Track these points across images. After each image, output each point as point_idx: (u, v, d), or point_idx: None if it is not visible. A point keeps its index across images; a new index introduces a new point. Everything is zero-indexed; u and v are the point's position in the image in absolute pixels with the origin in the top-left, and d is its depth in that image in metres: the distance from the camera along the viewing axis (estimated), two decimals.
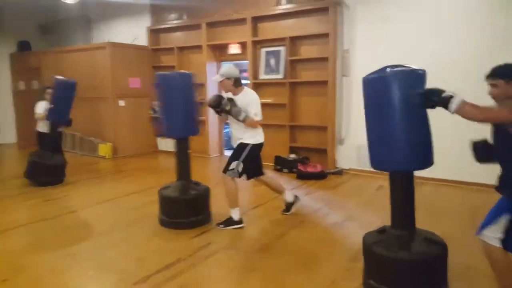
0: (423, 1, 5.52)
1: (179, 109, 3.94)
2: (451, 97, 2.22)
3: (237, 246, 3.57)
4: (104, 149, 7.95)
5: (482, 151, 2.35)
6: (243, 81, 4.01)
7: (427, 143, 2.51)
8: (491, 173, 2.40)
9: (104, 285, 2.95)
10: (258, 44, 7.07)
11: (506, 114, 2.12)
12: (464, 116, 2.21)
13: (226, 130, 7.87)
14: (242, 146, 3.86)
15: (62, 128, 6.15)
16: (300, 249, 3.47)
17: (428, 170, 2.55)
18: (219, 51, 7.84)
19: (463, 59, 5.21)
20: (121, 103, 8.04)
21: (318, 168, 6.07)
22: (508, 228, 2.18)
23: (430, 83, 2.43)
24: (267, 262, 3.21)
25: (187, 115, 4.00)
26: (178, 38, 8.29)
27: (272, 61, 6.91)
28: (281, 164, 6.52)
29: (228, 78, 3.79)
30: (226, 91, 3.90)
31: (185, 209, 3.95)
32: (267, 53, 6.98)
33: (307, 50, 6.60)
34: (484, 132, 2.36)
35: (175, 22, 8.18)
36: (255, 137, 3.88)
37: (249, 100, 3.79)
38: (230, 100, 3.76)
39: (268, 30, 6.97)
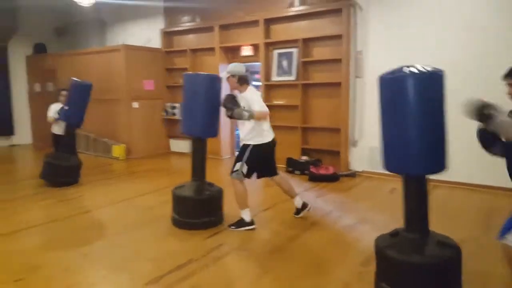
0: (437, 2, 5.46)
1: (202, 109, 3.94)
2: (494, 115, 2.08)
3: (249, 247, 3.57)
4: (117, 150, 8.03)
5: (486, 138, 2.30)
6: (254, 83, 4.02)
7: (443, 147, 2.44)
8: (505, 176, 2.36)
9: (116, 285, 2.97)
10: (270, 46, 7.08)
11: None
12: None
13: (238, 131, 7.87)
14: (244, 147, 3.91)
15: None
16: (312, 251, 3.45)
17: (442, 173, 2.51)
18: (232, 53, 7.86)
19: (473, 60, 5.16)
20: (135, 105, 8.11)
21: (331, 170, 6.04)
22: None
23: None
24: (279, 264, 3.20)
25: (209, 116, 4.01)
26: (191, 40, 8.35)
27: (285, 63, 6.90)
28: (293, 166, 6.50)
29: (233, 76, 3.85)
30: (232, 89, 3.95)
31: (199, 209, 3.96)
32: (280, 54, 6.97)
33: (319, 52, 6.58)
34: None
35: (188, 24, 8.24)
36: (257, 138, 3.88)
37: (250, 98, 3.83)
38: (233, 102, 3.79)
39: (281, 32, 6.97)
